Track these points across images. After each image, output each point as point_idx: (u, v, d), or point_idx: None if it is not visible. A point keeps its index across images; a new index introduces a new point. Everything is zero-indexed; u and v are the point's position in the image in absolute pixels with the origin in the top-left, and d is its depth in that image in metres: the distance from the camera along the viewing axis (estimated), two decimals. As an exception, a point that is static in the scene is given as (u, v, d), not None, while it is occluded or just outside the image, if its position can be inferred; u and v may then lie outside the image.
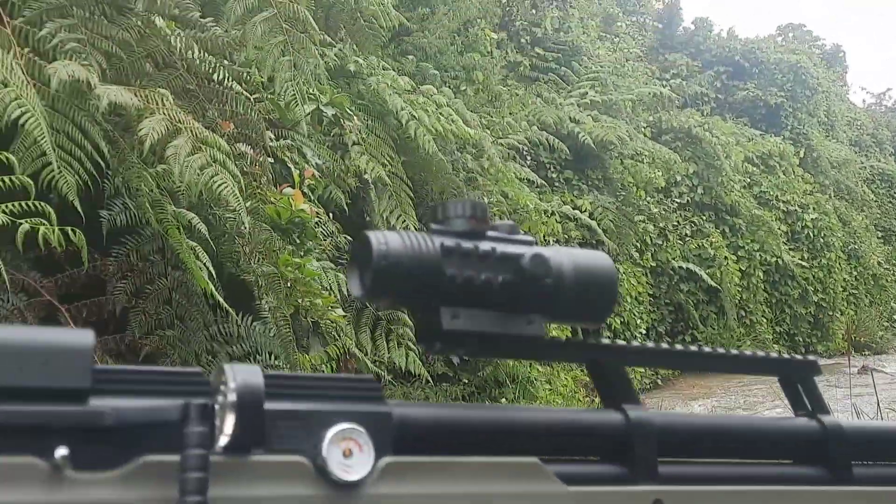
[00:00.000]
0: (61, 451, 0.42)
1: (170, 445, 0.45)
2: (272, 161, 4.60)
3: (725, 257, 12.39)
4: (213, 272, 3.07)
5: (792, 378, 0.70)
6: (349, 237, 5.84)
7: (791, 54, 18.57)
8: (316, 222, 4.68)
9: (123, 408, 0.45)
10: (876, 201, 21.51)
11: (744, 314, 12.85)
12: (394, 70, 7.43)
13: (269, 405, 0.48)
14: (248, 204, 3.17)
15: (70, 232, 2.35)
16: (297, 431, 0.48)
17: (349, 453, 0.48)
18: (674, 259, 11.57)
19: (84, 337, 0.45)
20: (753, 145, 15.25)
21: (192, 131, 2.65)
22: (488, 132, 8.63)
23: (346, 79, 7.04)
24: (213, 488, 0.44)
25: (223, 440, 0.46)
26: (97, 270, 2.99)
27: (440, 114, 7.35)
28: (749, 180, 14.67)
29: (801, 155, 16.74)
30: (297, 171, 4.90)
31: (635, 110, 12.55)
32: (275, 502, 0.46)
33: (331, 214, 5.59)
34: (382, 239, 0.52)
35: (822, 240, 15.42)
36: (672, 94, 13.70)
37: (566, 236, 9.32)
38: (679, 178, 12.65)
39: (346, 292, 5.15)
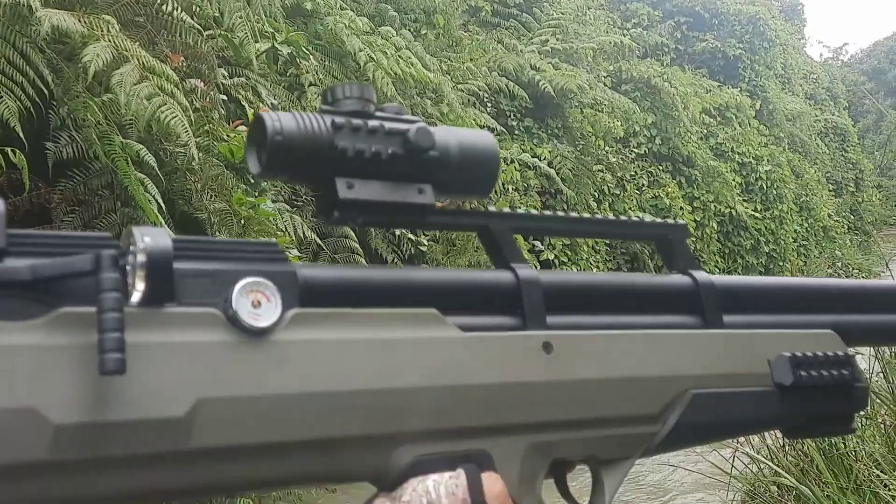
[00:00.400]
0: None
1: (85, 299, 0.47)
2: (225, 99, 4.50)
3: (681, 207, 12.53)
4: (164, 207, 3.01)
5: (668, 240, 0.76)
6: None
7: (750, 6, 18.61)
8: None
9: (39, 264, 0.47)
10: (828, 155, 21.89)
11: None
12: (352, 10, 7.28)
13: (178, 265, 0.51)
14: (199, 139, 3.10)
15: (10, 153, 2.28)
16: (206, 288, 0.52)
17: (258, 304, 0.51)
18: (630, 209, 11.67)
19: None
20: (711, 97, 15.34)
21: (138, 60, 2.57)
22: (448, 77, 8.54)
23: (303, 18, 6.89)
24: (128, 336, 0.46)
25: (136, 296, 0.49)
26: (41, 199, 2.92)
27: (399, 56, 7.24)
28: (706, 132, 14.79)
29: (758, 107, 16.90)
30: (252, 110, 4.81)
31: (596, 59, 12.51)
32: (189, 347, 0.49)
33: (286, 155, 5.49)
34: (276, 118, 0.56)
35: (775, 191, 15.66)
36: (632, 44, 13.68)
37: (525, 184, 9.33)
38: (637, 129, 12.70)
39: (301, 234, 5.11)
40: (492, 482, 0.57)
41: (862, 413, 3.78)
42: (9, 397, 0.44)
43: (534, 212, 0.69)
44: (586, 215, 0.71)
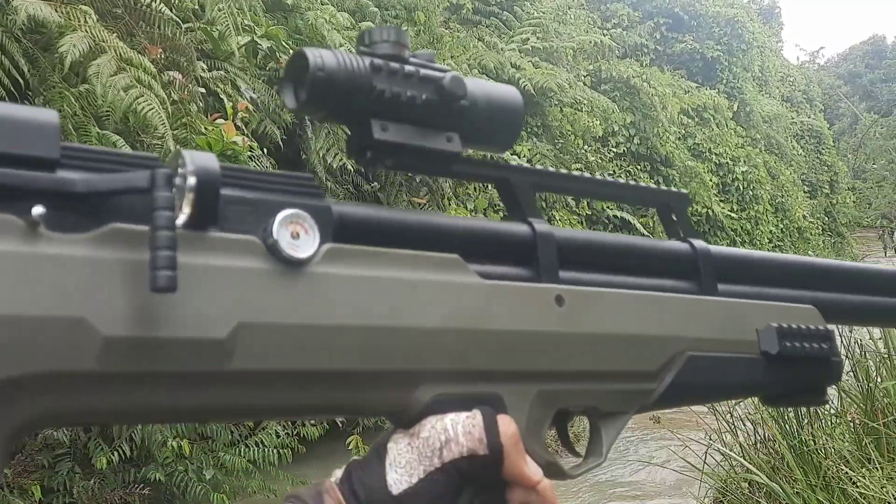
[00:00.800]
0: (38, 210, 0.44)
1: (137, 216, 0.48)
2: (204, 91, 4.48)
3: (658, 207, 12.59)
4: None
5: (669, 207, 0.79)
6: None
7: (729, 8, 18.74)
8: (249, 156, 4.59)
9: (94, 177, 0.47)
10: (804, 157, 22.08)
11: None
12: (333, 5, 7.26)
13: (223, 191, 0.51)
14: (176, 132, 3.09)
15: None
16: (248, 216, 0.52)
17: (297, 235, 0.52)
18: (609, 208, 11.72)
19: (50, 114, 0.47)
20: (689, 97, 15.44)
21: (116, 51, 2.55)
22: (428, 74, 8.54)
23: (284, 12, 6.86)
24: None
25: (181, 218, 0.49)
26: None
27: (379, 52, 7.23)
28: (684, 132, 14.88)
29: (735, 109, 17.03)
30: (230, 104, 4.78)
31: (576, 58, 12.55)
32: (231, 272, 0.50)
33: (265, 150, 5.48)
34: (318, 54, 0.56)
35: (751, 192, 15.79)
36: (612, 44, 13.72)
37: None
38: (616, 128, 12.76)
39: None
40: (506, 423, 0.59)
41: (832, 412, 3.83)
42: (60, 306, 0.44)
43: (551, 169, 0.70)
44: (599, 177, 0.73)
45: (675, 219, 0.79)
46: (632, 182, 0.76)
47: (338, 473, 0.58)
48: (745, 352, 0.75)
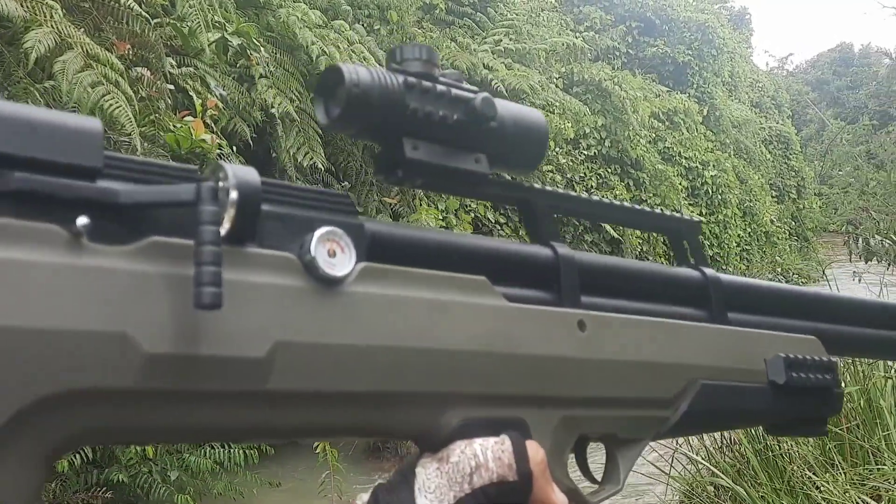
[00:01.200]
0: (82, 220, 0.43)
1: (177, 229, 0.47)
2: (172, 88, 4.43)
3: (628, 210, 12.67)
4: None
5: (681, 234, 0.79)
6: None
7: (700, 14, 18.92)
8: (218, 154, 4.55)
9: (138, 189, 0.46)
10: (772, 162, 22.37)
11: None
12: (305, 3, 7.21)
13: (263, 206, 0.51)
14: (144, 129, 3.04)
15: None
16: (285, 232, 0.52)
17: (333, 253, 0.52)
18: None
19: (93, 122, 0.46)
20: (660, 101, 15.56)
21: (82, 47, 2.51)
22: (400, 74, 8.51)
23: (255, 9, 6.81)
24: (189, 268, 0.45)
25: (221, 231, 0.47)
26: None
27: (352, 51, 7.19)
28: (654, 135, 15.00)
29: (705, 113, 17.20)
30: (200, 101, 4.73)
31: (548, 60, 12.60)
32: (270, 289, 0.49)
33: (234, 148, 5.43)
34: (353, 70, 0.56)
35: (720, 196, 15.96)
36: (585, 47, 13.80)
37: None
38: (588, 131, 12.82)
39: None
40: (535, 450, 0.59)
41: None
42: (101, 320, 0.43)
43: (573, 193, 0.71)
44: (616, 202, 0.74)
45: (686, 246, 0.79)
46: (646, 209, 0.76)
47: (364, 497, 0.57)
48: (753, 381, 0.76)
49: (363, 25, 8.56)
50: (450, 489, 0.55)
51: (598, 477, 0.71)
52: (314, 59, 6.64)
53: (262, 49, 6.10)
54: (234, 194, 0.48)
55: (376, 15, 9.23)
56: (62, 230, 0.43)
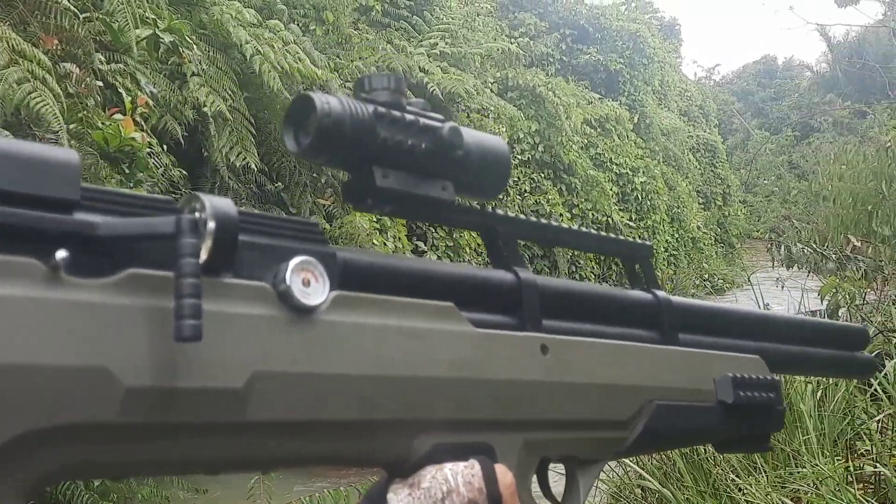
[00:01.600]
0: (61, 254, 0.42)
1: (155, 261, 0.46)
2: (102, 85, 4.31)
3: (561, 214, 12.85)
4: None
5: (634, 258, 0.81)
6: (184, 171, 5.59)
7: (632, 23, 19.29)
8: (148, 153, 4.45)
9: (117, 221, 0.46)
10: (699, 169, 22.94)
11: (574, 269, 13.43)
12: (239, 1, 7.11)
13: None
14: (72, 126, 2.96)
15: None
16: (259, 262, 0.52)
17: (307, 283, 0.52)
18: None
19: (71, 154, 0.46)
20: (592, 108, 15.81)
21: (8, 42, 2.42)
22: (336, 75, 8.47)
23: (188, 6, 6.69)
24: (168, 300, 0.45)
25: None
26: None
27: (287, 51, 7.12)
28: (586, 141, 15.23)
29: (635, 120, 17.54)
30: (129, 98, 4.62)
31: (484, 65, 12.68)
32: (246, 320, 0.49)
33: (165, 146, 5.32)
34: (325, 100, 0.56)
35: (649, 202, 16.30)
36: (520, 52, 13.93)
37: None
38: (522, 136, 12.95)
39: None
40: (503, 474, 0.59)
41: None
42: (81, 355, 0.42)
43: (533, 219, 0.72)
44: (574, 227, 0.75)
45: (639, 269, 0.81)
46: (602, 234, 0.78)
47: None
48: (704, 400, 0.78)
49: (298, 25, 8.48)
50: None
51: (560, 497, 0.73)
52: (248, 57, 6.55)
53: (194, 47, 5.99)
54: (211, 225, 0.48)
55: (312, 15, 9.16)
56: (40, 264, 0.42)
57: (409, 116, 0.60)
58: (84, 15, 4.16)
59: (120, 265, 0.45)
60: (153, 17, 5.46)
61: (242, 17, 6.75)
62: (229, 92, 6.33)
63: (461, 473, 0.57)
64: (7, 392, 0.40)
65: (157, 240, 0.46)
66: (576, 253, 12.89)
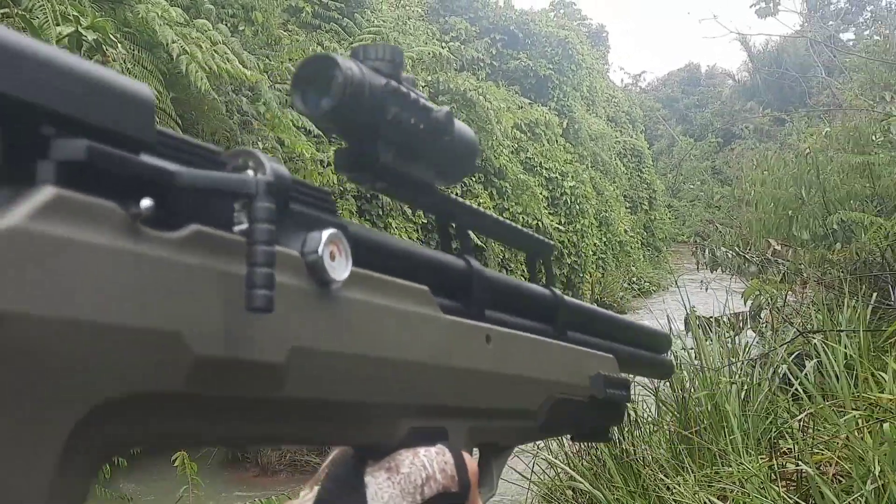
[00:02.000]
0: (146, 202, 0.38)
1: (210, 218, 0.43)
2: (20, 83, 4.16)
3: (491, 218, 12.94)
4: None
5: (537, 254, 0.83)
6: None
7: (561, 30, 19.59)
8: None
9: (192, 172, 0.42)
10: (626, 174, 23.41)
11: (505, 272, 13.54)
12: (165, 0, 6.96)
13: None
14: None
15: None
16: (290, 230, 0.49)
17: (333, 256, 0.49)
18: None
19: (145, 88, 0.41)
20: (523, 113, 15.99)
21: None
22: (266, 76, 8.36)
23: (112, 4, 6.51)
24: (237, 269, 0.43)
25: (241, 227, 0.44)
26: None
27: (215, 51, 6.99)
28: (517, 146, 15.39)
29: (565, 126, 17.80)
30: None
31: (415, 68, 12.69)
32: (286, 291, 0.46)
33: (88, 148, 5.16)
34: (348, 64, 0.52)
35: (577, 206, 16.55)
36: (451, 57, 14.00)
37: (341, 188, 9.30)
38: (453, 139, 13.00)
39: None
40: (469, 461, 0.60)
41: (650, 421, 4.06)
42: (159, 317, 0.39)
43: (482, 210, 0.73)
44: (500, 218, 0.76)
45: (539, 265, 0.83)
46: (516, 226, 0.78)
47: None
48: (582, 395, 0.82)
49: (227, 25, 8.35)
50: (402, 499, 0.55)
51: None
52: (175, 57, 6.41)
53: (119, 45, 5.84)
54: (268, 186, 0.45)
55: (241, 15, 9.02)
56: (122, 211, 0.38)
57: (412, 94, 0.58)
58: (2, 10, 4.02)
59: (181, 220, 0.41)
60: (75, 14, 5.30)
61: (169, 16, 6.60)
62: (155, 91, 6.18)
63: (436, 460, 0.58)
64: (86, 356, 0.36)
65: (229, 198, 0.43)
66: (507, 255, 13.00)
